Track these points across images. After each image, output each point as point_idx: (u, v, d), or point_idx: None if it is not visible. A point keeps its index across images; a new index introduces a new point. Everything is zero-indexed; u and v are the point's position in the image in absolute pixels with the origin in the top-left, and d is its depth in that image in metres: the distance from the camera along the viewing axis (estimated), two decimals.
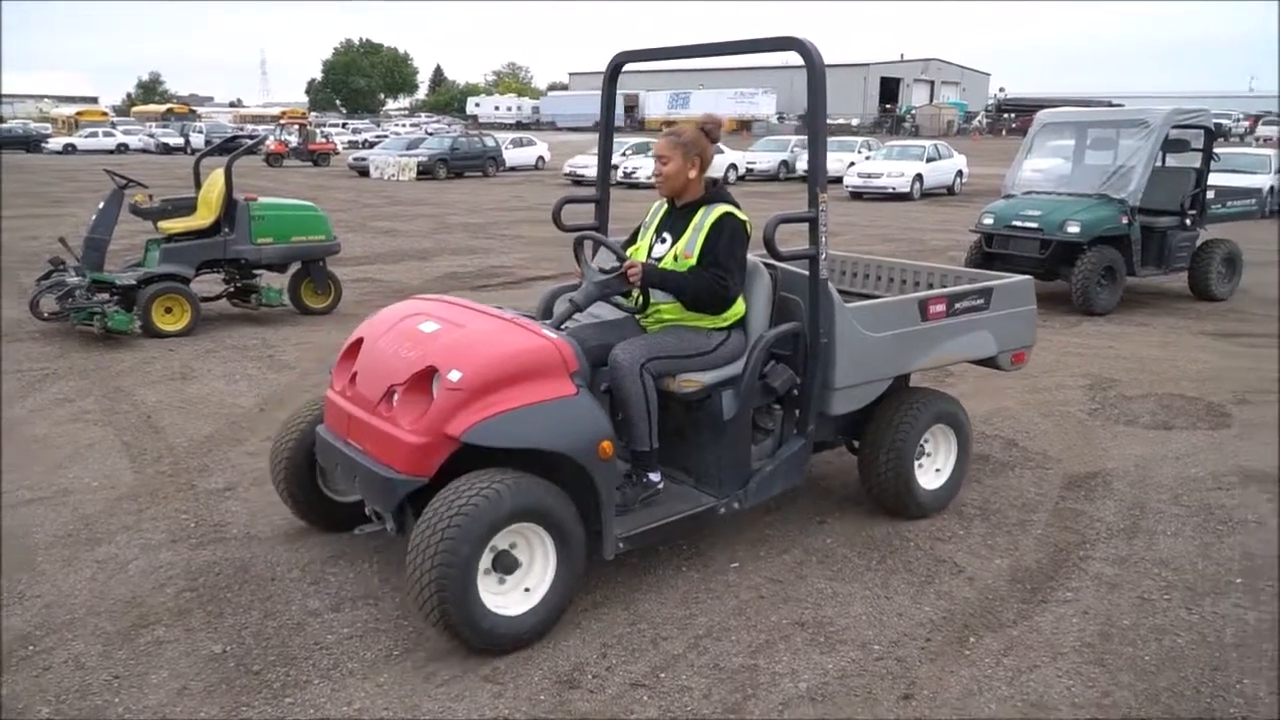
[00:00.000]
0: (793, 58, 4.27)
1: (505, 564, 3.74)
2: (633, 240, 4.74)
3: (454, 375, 3.71)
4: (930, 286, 5.82)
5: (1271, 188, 21.42)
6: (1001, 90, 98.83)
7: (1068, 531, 4.96)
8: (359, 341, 4.31)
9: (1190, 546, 4.80)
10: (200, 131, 55.20)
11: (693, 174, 4.38)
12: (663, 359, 4.23)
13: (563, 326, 4.17)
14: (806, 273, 4.45)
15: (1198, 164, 11.57)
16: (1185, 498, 5.41)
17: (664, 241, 4.47)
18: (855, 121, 72.30)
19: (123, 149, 53.93)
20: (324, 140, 45.08)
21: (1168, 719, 3.43)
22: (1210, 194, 11.70)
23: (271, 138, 41.88)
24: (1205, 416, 6.94)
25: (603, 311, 4.74)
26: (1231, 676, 3.67)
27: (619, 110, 5.65)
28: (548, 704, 3.47)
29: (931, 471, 5.15)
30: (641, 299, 4.41)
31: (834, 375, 4.53)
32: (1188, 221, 11.38)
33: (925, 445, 5.07)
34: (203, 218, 9.43)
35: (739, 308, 4.48)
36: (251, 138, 13.91)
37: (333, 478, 4.62)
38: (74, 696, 3.49)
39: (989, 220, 11.47)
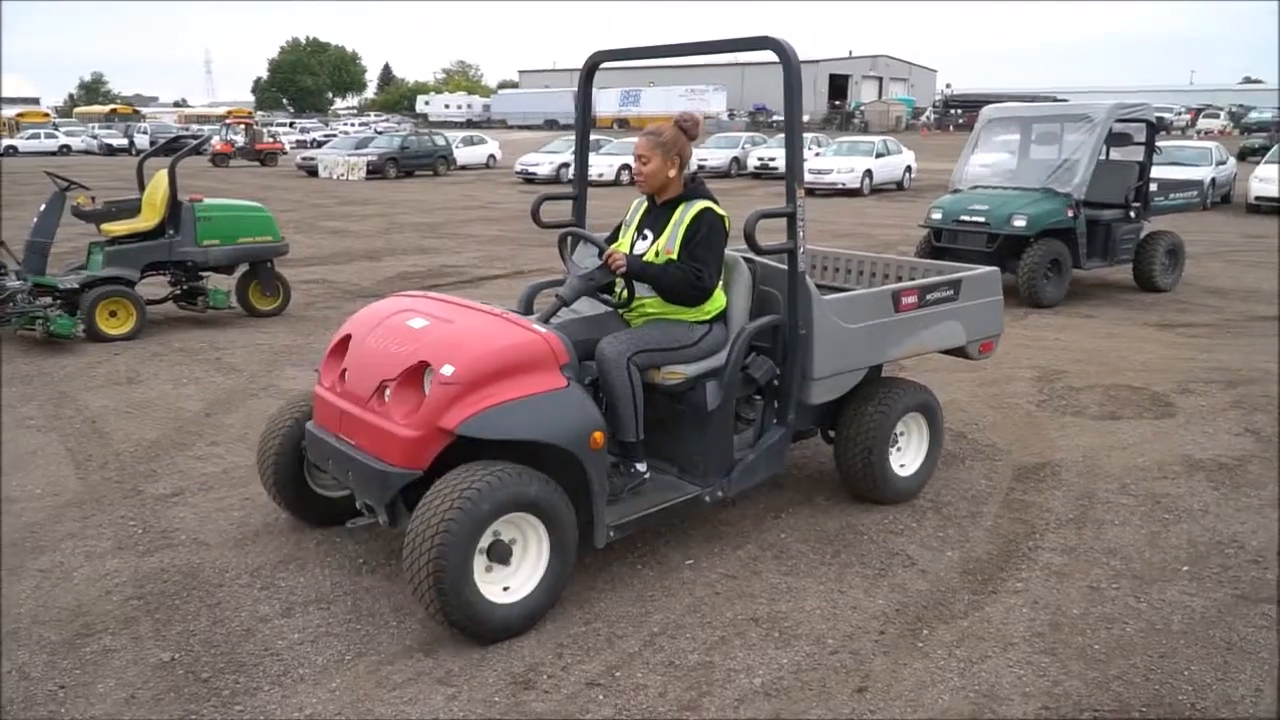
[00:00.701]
0: (742, 55, 4.30)
1: (499, 553, 3.79)
2: (614, 238, 4.83)
3: (447, 370, 3.76)
4: (899, 279, 5.89)
5: (1213, 180, 21.85)
6: (948, 86, 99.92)
7: (1017, 522, 5.02)
8: (346, 338, 4.34)
9: (1138, 535, 4.87)
10: (145, 132, 54.38)
11: (672, 172, 4.49)
12: (648, 352, 4.32)
13: (549, 321, 4.22)
14: (785, 267, 4.53)
15: (1141, 157, 11.77)
16: (1132, 487, 5.50)
17: (645, 238, 4.55)
18: (805, 118, 72.07)
19: (65, 150, 52.93)
20: (271, 140, 44.60)
21: (1118, 707, 3.47)
22: (1153, 186, 11.89)
23: (217, 138, 41.36)
24: (1150, 406, 7.06)
25: (583, 308, 4.78)
26: (1180, 663, 3.73)
27: (568, 108, 5.69)
28: (502, 705, 3.45)
29: (904, 459, 5.25)
30: (627, 292, 4.47)
31: (812, 366, 4.64)
32: (1132, 214, 11.57)
33: (899, 435, 5.17)
34: (147, 220, 9.28)
35: (720, 301, 4.57)
36: (196, 138, 13.73)
37: (323, 473, 4.61)
38: (19, 707, 3.42)
39: (937, 215, 11.59)
